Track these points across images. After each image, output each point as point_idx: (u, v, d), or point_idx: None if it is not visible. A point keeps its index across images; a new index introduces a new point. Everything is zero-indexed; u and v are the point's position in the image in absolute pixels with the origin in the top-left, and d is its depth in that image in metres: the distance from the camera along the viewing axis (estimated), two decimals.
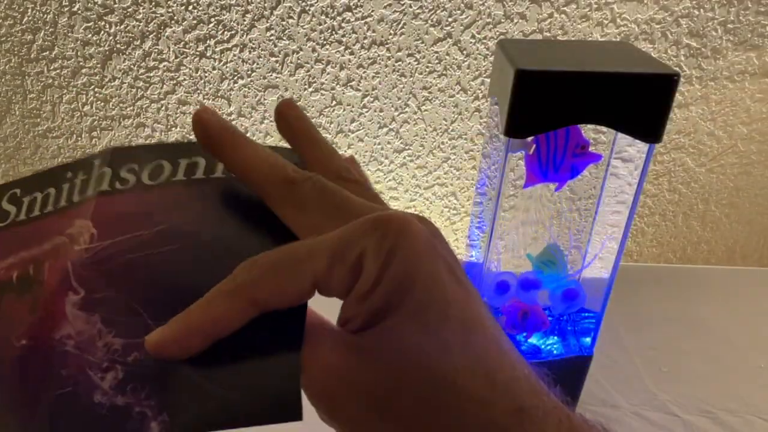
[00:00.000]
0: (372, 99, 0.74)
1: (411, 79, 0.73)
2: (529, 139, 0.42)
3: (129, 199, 0.31)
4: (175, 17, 0.70)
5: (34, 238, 0.30)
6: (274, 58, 0.72)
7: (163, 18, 0.70)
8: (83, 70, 0.73)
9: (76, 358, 0.25)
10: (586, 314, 0.50)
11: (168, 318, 0.25)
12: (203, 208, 0.31)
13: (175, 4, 0.69)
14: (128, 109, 0.76)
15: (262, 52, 0.71)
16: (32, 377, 0.26)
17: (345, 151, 0.78)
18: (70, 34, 0.71)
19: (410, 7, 0.68)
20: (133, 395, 0.25)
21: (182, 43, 0.71)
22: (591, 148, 0.43)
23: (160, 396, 0.25)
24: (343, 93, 0.74)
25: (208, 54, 0.72)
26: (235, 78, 0.73)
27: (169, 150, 0.33)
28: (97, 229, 0.29)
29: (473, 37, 0.70)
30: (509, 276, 0.48)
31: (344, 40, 0.70)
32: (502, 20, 0.69)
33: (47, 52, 0.72)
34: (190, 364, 0.25)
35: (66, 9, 0.69)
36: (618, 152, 0.46)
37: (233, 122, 0.76)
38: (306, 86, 0.73)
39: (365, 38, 0.70)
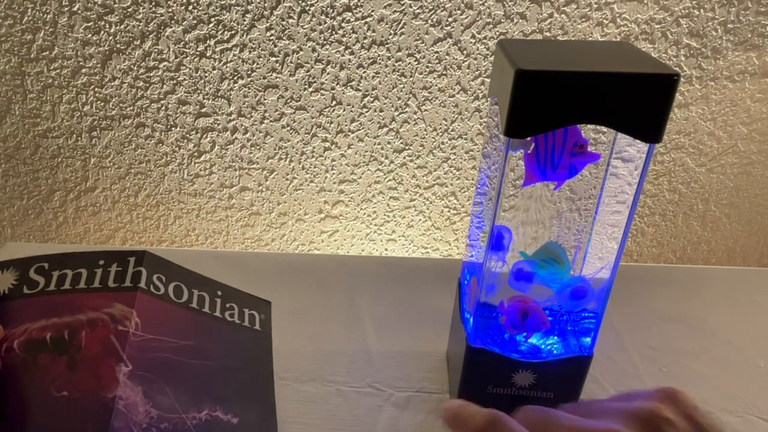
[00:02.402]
0: (372, 99, 0.74)
1: (411, 79, 0.73)
2: (528, 138, 0.42)
3: (164, 308, 0.40)
4: (175, 17, 0.70)
5: (66, 307, 0.37)
6: (274, 58, 0.72)
7: (163, 18, 0.70)
8: (83, 70, 0.73)
9: (125, 416, 0.33)
10: (586, 314, 0.50)
11: (190, 406, 0.37)
12: (213, 336, 0.43)
13: (175, 4, 0.69)
14: (128, 109, 0.76)
15: (262, 52, 0.71)
16: (84, 424, 0.33)
17: (345, 151, 0.78)
18: (70, 34, 0.71)
19: (410, 7, 0.68)
20: None
21: (182, 43, 0.71)
22: (591, 148, 0.43)
23: None
24: (343, 93, 0.74)
25: (208, 54, 0.72)
26: (235, 78, 0.73)
27: (187, 277, 0.43)
28: (140, 321, 0.37)
29: (473, 37, 0.70)
30: (505, 230, 0.48)
31: (344, 40, 0.70)
32: (502, 20, 0.69)
33: (47, 52, 0.72)
34: None
35: (66, 9, 0.69)
36: (618, 152, 0.46)
37: (233, 122, 0.76)
38: (306, 86, 0.73)
39: (365, 38, 0.70)
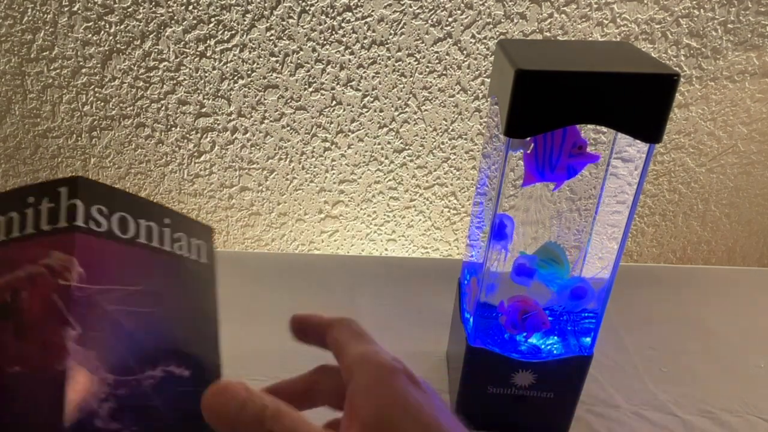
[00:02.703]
0: (372, 99, 0.74)
1: (411, 79, 0.73)
2: (528, 138, 0.42)
3: (109, 248, 0.34)
4: (175, 17, 0.70)
5: (6, 263, 0.32)
6: (274, 58, 0.72)
7: (163, 18, 0.70)
8: (83, 70, 0.73)
9: (80, 388, 0.29)
10: (586, 314, 0.50)
11: (145, 364, 0.33)
12: (164, 276, 0.37)
13: (175, 4, 0.69)
14: (128, 109, 0.76)
15: (262, 52, 0.71)
16: (39, 403, 0.29)
17: (345, 151, 0.78)
18: (70, 34, 0.71)
19: (410, 7, 0.68)
20: (122, 422, 0.30)
21: (182, 43, 0.71)
22: (591, 148, 0.43)
23: (141, 421, 0.32)
24: (343, 93, 0.74)
25: (208, 54, 0.72)
26: (235, 78, 0.73)
27: (131, 205, 0.37)
28: (83, 269, 0.31)
29: (473, 37, 0.70)
30: (507, 218, 0.48)
31: (344, 40, 0.70)
32: (502, 20, 0.69)
33: (47, 52, 0.72)
34: (161, 400, 0.33)
35: (66, 9, 0.69)
36: (618, 152, 0.46)
37: (233, 122, 0.76)
38: (306, 86, 0.73)
39: (365, 38, 0.70)
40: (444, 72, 0.72)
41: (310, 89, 0.74)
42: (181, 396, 0.35)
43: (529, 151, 0.42)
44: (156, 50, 0.72)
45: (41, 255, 0.32)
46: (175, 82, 0.74)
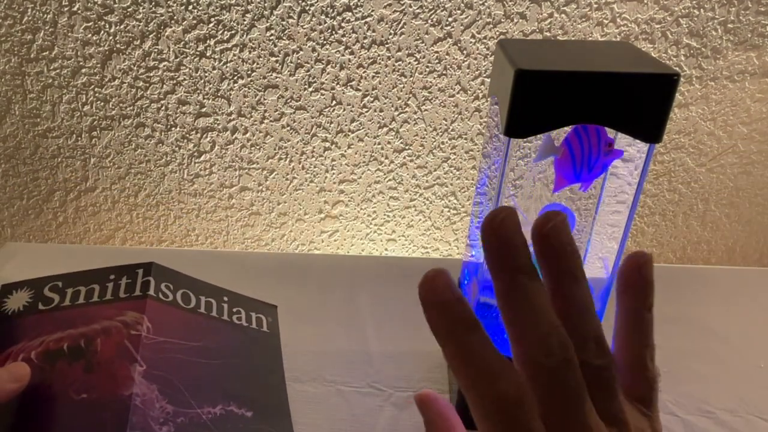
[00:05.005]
0: (372, 99, 0.74)
1: (411, 79, 0.73)
2: (557, 143, 0.42)
3: (174, 313, 0.42)
4: (175, 17, 0.70)
5: (81, 320, 0.40)
6: (274, 58, 0.72)
7: (163, 18, 0.70)
8: (83, 70, 0.73)
9: (143, 412, 0.35)
10: None
11: (204, 401, 0.39)
12: (222, 337, 0.45)
13: (175, 4, 0.69)
14: (128, 109, 0.76)
15: (262, 52, 0.71)
16: (104, 422, 0.35)
17: (345, 151, 0.78)
18: (70, 34, 0.71)
19: (410, 7, 0.68)
20: None
21: (182, 43, 0.71)
22: None
23: None
24: (343, 93, 0.74)
25: (208, 54, 0.72)
26: (235, 78, 0.73)
27: (193, 285, 0.46)
28: (151, 325, 0.39)
29: (473, 37, 0.70)
30: (571, 215, 0.47)
31: (344, 40, 0.70)
32: (502, 20, 0.69)
33: (47, 52, 0.72)
34: (215, 428, 0.38)
35: (66, 9, 0.69)
36: None
37: (233, 122, 0.76)
38: (306, 86, 0.73)
39: (365, 38, 0.70)
40: (444, 72, 0.72)
41: (310, 89, 0.74)
42: (243, 431, 0.40)
43: (560, 156, 0.42)
44: (156, 50, 0.72)
45: (117, 314, 0.40)
46: (175, 82, 0.74)
